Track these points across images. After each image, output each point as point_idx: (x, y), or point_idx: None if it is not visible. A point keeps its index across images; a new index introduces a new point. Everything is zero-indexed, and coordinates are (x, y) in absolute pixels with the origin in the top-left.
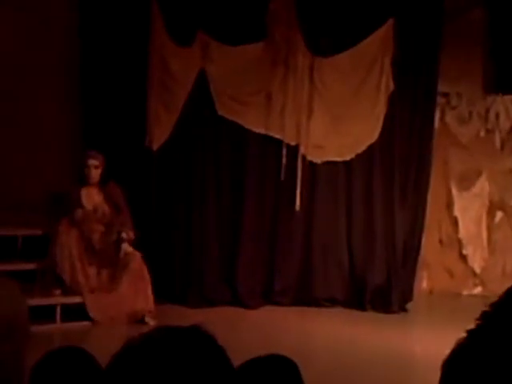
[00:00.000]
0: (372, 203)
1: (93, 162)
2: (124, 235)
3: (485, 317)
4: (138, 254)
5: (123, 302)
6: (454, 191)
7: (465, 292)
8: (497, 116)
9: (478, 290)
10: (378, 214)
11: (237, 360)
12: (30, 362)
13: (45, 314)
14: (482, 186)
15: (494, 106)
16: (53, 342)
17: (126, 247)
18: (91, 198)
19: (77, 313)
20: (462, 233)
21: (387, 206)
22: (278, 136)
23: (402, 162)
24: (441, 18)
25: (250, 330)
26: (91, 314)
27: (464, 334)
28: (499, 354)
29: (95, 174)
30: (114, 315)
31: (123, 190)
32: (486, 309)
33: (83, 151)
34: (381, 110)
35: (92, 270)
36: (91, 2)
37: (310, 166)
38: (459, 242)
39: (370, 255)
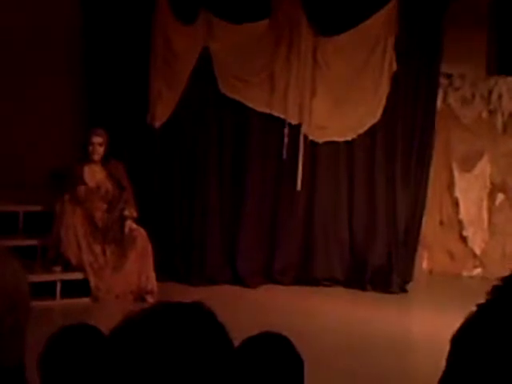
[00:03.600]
0: (373, 183)
1: (97, 139)
2: (127, 213)
3: (495, 291)
4: (143, 232)
5: (129, 279)
6: (456, 172)
7: (464, 273)
8: (499, 97)
9: (477, 271)
10: (380, 194)
11: (236, 338)
12: (30, 337)
13: (45, 290)
14: (484, 167)
15: (497, 87)
16: (53, 317)
17: (130, 223)
18: (94, 175)
19: (77, 289)
20: (463, 214)
21: (389, 186)
22: (280, 115)
23: (404, 143)
24: None
25: (250, 309)
26: (96, 293)
27: (474, 309)
28: (509, 329)
29: (99, 151)
30: (119, 293)
31: (125, 167)
32: (497, 283)
33: (87, 128)
34: (384, 90)
35: (97, 248)
36: None
37: (312, 146)
38: (460, 223)
39: (371, 235)
